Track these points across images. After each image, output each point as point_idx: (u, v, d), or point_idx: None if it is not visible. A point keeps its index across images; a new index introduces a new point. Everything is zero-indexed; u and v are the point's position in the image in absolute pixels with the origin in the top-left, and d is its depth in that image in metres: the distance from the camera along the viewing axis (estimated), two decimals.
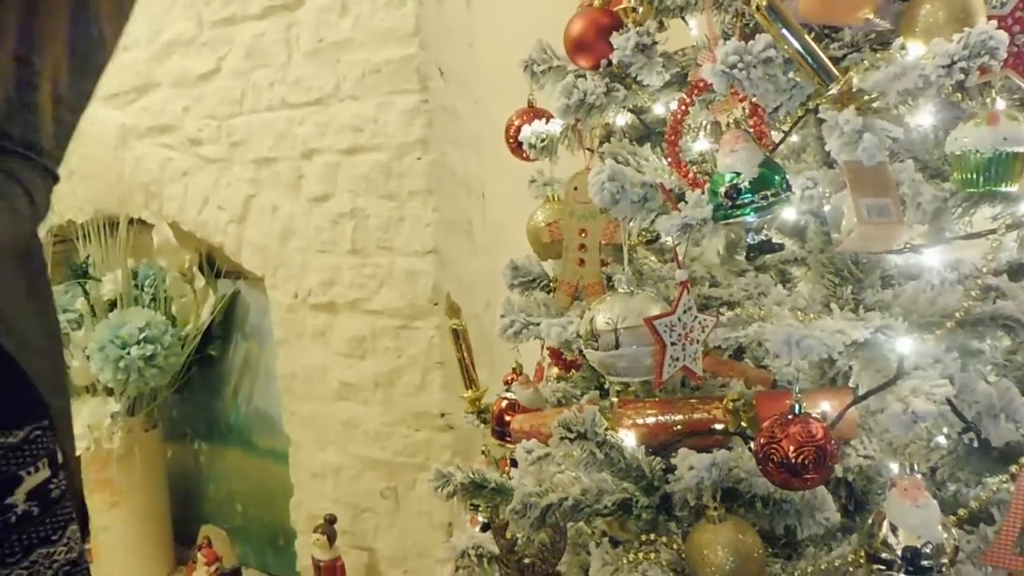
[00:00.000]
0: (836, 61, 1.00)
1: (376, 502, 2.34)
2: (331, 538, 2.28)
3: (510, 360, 1.46)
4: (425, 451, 2.22)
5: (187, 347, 2.73)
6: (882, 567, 0.88)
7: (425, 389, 2.19)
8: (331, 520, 2.30)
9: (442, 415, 2.18)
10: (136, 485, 2.72)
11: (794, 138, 1.20)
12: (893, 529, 0.88)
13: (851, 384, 1.03)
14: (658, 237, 1.36)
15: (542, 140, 1.28)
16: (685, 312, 1.03)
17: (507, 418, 1.33)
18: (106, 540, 2.71)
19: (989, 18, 0.93)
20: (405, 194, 2.16)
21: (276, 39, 2.33)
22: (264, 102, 2.38)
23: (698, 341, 1.05)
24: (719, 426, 1.11)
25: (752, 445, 1.01)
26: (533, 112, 1.39)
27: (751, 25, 1.02)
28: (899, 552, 0.87)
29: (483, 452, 1.55)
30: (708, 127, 1.23)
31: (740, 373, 1.20)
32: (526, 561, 1.12)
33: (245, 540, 2.84)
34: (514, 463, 1.26)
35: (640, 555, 1.01)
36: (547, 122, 1.32)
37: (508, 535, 1.15)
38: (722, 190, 0.95)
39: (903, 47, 0.96)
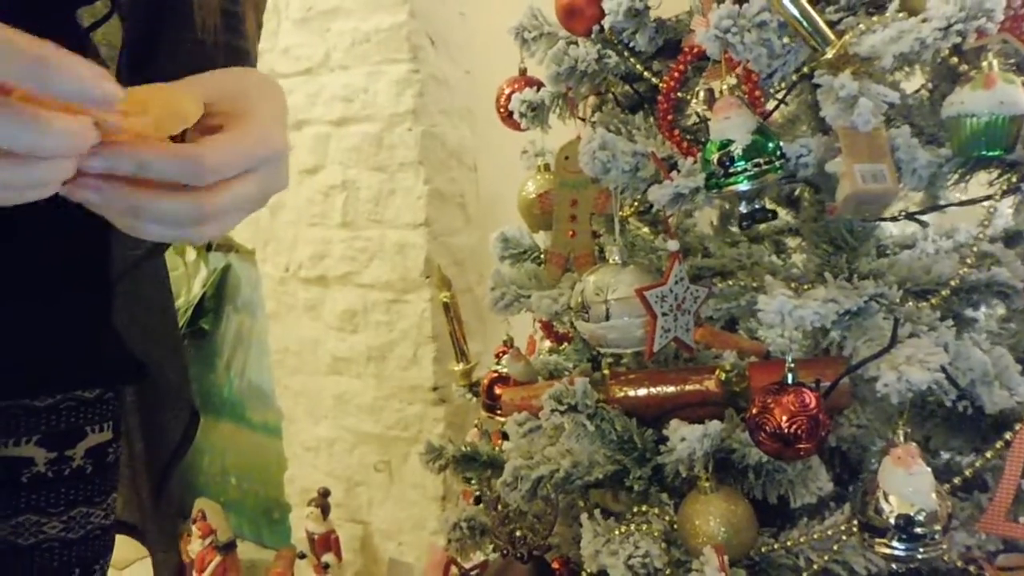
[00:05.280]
0: (832, 24, 0.98)
1: (370, 475, 2.34)
2: (325, 511, 2.28)
3: (503, 332, 1.45)
4: (418, 424, 2.21)
5: (179, 320, 2.72)
6: (875, 535, 0.88)
7: (417, 362, 2.19)
8: (325, 493, 2.30)
9: (434, 388, 2.17)
10: None
11: (790, 106, 1.18)
12: (886, 497, 0.87)
13: (845, 353, 1.02)
14: (651, 207, 1.34)
15: (532, 108, 1.26)
16: (677, 283, 1.02)
17: (497, 391, 1.32)
18: None
19: None
20: (396, 166, 2.13)
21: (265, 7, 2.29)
22: None
23: (690, 312, 1.04)
24: (712, 397, 1.10)
25: (745, 415, 1.00)
26: (525, 80, 1.36)
27: None
28: (892, 520, 0.86)
29: (476, 425, 1.54)
30: (702, 94, 1.21)
31: (734, 344, 1.19)
32: (517, 533, 1.11)
33: (240, 513, 2.84)
34: (506, 436, 1.26)
35: (632, 527, 1.01)
36: (538, 91, 1.30)
37: (500, 507, 1.14)
38: (715, 158, 0.93)
39: (899, 10, 0.94)
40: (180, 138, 0.52)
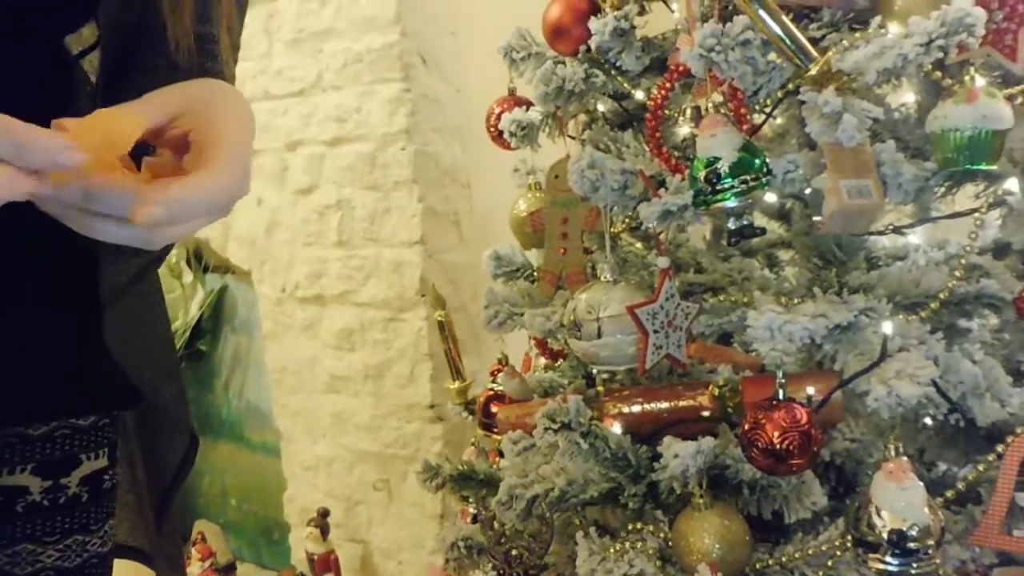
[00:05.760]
0: (815, 42, 0.99)
1: (369, 494, 2.33)
2: (324, 531, 2.27)
3: (499, 350, 1.45)
4: (416, 443, 2.21)
5: (177, 342, 2.72)
6: (868, 551, 0.88)
7: (414, 381, 2.19)
8: (324, 513, 2.29)
9: (432, 406, 2.17)
10: None
11: (779, 120, 1.19)
12: (878, 512, 0.87)
13: (837, 367, 1.03)
14: (643, 223, 1.35)
15: (522, 128, 1.27)
16: (668, 299, 1.02)
17: (493, 409, 1.32)
18: None
19: None
20: (390, 184, 2.14)
21: (257, 29, 2.31)
22: (246, 94, 2.33)
23: (681, 328, 1.04)
24: (706, 413, 1.10)
25: (738, 431, 1.00)
26: (514, 100, 1.37)
27: (729, 7, 1.01)
28: (885, 535, 0.86)
29: (473, 443, 1.54)
30: (689, 112, 1.22)
31: (728, 358, 1.19)
32: (513, 552, 1.11)
33: (239, 535, 2.83)
34: (502, 454, 1.26)
35: (627, 544, 1.01)
36: (527, 110, 1.31)
37: (496, 526, 1.14)
38: (701, 175, 0.94)
39: (882, 26, 0.95)
40: (140, 153, 0.54)
